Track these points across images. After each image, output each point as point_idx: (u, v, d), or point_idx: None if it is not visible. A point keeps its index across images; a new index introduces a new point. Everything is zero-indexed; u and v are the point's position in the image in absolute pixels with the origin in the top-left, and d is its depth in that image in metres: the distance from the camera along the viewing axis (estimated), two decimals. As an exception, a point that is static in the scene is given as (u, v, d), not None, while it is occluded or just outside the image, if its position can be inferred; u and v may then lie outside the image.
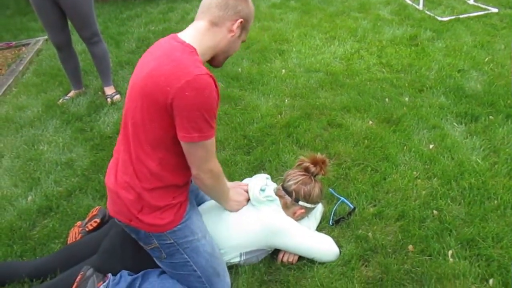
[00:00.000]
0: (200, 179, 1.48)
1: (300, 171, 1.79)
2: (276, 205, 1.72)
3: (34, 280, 1.74)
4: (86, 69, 3.75)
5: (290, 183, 1.76)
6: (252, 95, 3.15)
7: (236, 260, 1.72)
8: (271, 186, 1.84)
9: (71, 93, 3.39)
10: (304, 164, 1.77)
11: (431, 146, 2.44)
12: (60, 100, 3.32)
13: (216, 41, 1.44)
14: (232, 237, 1.69)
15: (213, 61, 1.52)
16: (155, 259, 1.60)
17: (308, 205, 1.77)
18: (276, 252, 1.79)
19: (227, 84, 3.33)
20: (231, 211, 1.72)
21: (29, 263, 1.79)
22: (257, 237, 1.68)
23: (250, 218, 1.69)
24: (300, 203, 1.75)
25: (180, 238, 1.53)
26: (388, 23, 4.29)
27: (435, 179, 2.19)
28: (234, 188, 1.74)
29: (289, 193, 1.75)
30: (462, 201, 2.04)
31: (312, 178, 1.77)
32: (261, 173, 2.16)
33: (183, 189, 1.56)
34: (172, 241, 1.52)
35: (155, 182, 1.46)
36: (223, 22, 1.43)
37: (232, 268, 1.74)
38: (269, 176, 1.91)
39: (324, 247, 1.75)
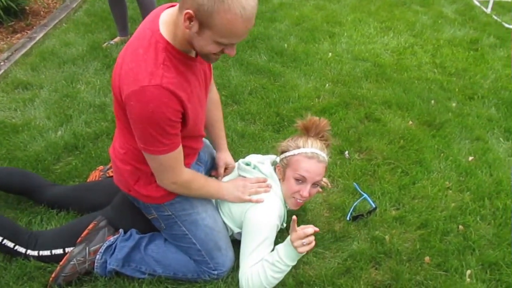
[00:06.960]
0: (167, 189, 1.41)
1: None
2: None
3: (49, 208, 1.81)
4: (134, 18, 3.74)
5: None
6: (293, 74, 3.06)
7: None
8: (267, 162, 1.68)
9: (117, 39, 3.40)
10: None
11: (470, 158, 2.30)
12: (105, 44, 3.33)
13: (180, 32, 1.17)
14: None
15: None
16: (157, 228, 1.59)
17: (282, 156, 1.58)
18: None
19: (269, 58, 3.24)
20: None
21: (52, 189, 1.83)
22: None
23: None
24: (277, 159, 1.63)
25: (178, 211, 1.50)
26: (450, 22, 4.03)
27: (468, 193, 2.07)
28: (233, 182, 1.59)
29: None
30: (493, 221, 1.92)
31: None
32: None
33: None
34: (170, 213, 1.49)
35: None
36: (181, 9, 1.12)
37: (234, 244, 1.63)
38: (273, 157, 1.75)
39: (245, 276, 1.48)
